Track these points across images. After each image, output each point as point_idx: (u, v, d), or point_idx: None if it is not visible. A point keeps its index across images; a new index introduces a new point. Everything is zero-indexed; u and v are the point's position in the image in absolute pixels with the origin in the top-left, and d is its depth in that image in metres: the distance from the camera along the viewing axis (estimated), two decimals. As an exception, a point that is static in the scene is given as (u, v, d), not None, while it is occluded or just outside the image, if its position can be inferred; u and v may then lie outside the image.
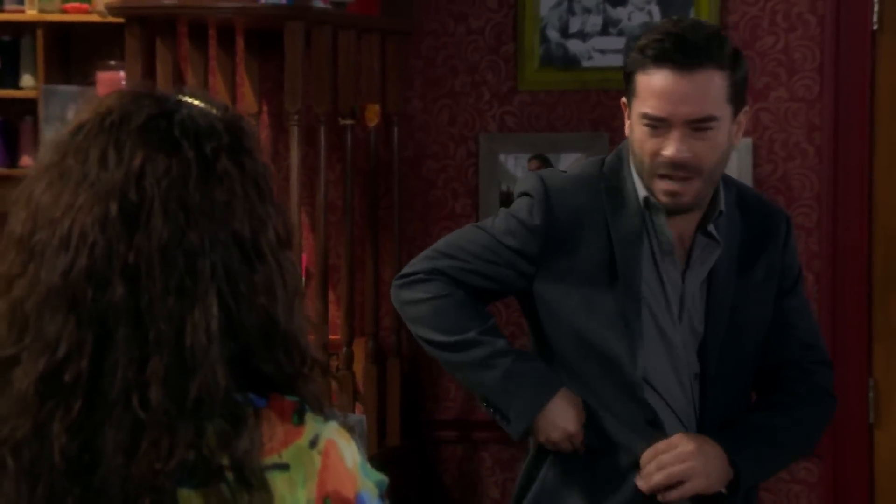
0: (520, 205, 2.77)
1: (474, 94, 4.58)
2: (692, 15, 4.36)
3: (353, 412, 4.29)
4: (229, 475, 1.38)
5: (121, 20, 4.27)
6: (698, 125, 2.62)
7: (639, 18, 4.46)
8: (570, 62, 4.51)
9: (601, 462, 2.73)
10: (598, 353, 2.70)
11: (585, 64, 4.51)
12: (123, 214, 1.40)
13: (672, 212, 2.69)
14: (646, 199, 2.69)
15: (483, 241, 2.77)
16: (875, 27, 4.27)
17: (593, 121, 4.51)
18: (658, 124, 2.62)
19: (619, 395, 2.70)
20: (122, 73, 4.35)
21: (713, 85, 2.61)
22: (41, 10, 4.86)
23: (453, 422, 4.66)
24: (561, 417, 2.70)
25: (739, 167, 4.31)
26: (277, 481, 1.42)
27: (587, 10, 4.49)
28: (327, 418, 1.47)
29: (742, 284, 2.76)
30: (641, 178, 2.69)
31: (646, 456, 2.68)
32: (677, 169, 2.62)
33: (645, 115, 2.63)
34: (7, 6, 4.94)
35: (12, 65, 5.05)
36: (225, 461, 1.39)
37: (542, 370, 2.73)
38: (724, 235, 2.74)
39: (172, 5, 4.16)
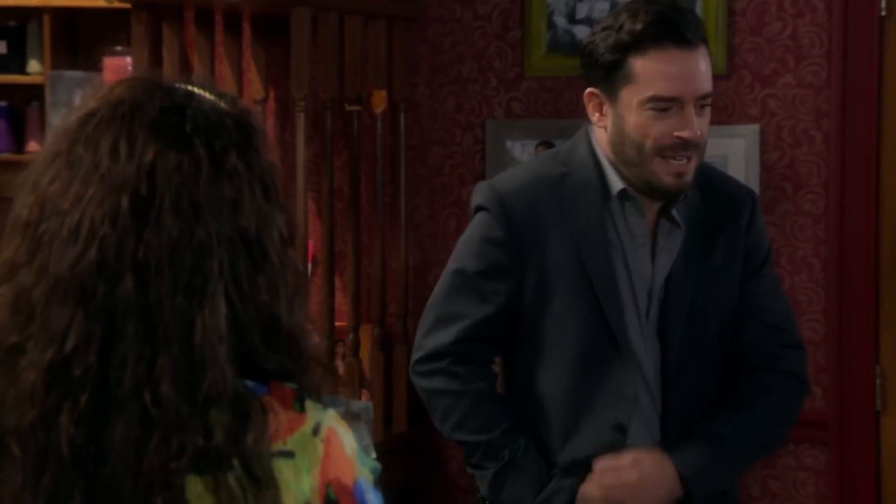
0: (478, 221, 2.71)
1: (481, 80, 4.57)
2: (700, 1, 4.34)
3: (360, 399, 4.29)
4: (236, 463, 1.39)
5: (127, 6, 4.27)
6: (704, 101, 2.61)
7: (646, 4, 4.44)
8: (578, 48, 4.48)
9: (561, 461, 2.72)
10: (583, 352, 2.66)
11: (592, 50, 4.49)
12: (134, 209, 1.40)
13: (663, 196, 2.64)
14: (622, 191, 2.64)
15: (468, 285, 2.70)
16: (883, 13, 4.26)
17: (600, 107, 4.50)
18: (669, 105, 2.58)
19: (602, 397, 2.66)
20: (128, 59, 4.35)
21: (708, 60, 2.62)
22: (48, -4, 4.87)
23: (460, 408, 4.64)
24: None
25: (747, 154, 4.30)
26: (283, 468, 1.43)
27: (594, -4, 4.48)
28: (325, 406, 1.48)
29: (704, 269, 2.69)
30: (626, 167, 2.63)
31: (596, 470, 2.66)
32: (687, 149, 2.59)
33: (653, 98, 2.57)
34: (13, -8, 4.95)
35: (19, 50, 5.05)
36: (233, 453, 1.39)
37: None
38: (686, 219, 2.69)
39: (179, -9, 4.17)
